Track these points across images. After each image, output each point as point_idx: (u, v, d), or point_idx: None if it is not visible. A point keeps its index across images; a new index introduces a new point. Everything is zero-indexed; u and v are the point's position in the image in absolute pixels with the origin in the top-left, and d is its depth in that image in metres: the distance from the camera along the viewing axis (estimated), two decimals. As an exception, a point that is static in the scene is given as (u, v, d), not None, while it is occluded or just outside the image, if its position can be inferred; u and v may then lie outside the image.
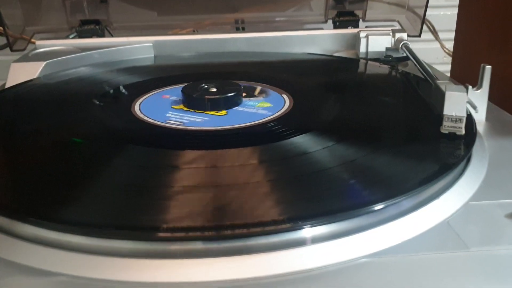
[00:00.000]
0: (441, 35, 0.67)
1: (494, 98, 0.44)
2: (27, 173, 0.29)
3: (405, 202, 0.26)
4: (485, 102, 0.39)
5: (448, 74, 0.58)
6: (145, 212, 0.25)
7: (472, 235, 0.25)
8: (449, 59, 0.60)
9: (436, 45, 0.69)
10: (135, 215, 0.25)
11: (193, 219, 0.24)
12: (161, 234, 0.23)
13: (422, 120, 0.36)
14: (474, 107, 0.35)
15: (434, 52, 0.76)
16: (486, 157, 0.33)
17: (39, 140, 0.34)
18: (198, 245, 0.23)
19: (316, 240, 0.24)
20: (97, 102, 0.39)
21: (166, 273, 0.23)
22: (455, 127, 0.32)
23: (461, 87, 0.35)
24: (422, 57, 0.47)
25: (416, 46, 0.60)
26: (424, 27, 0.64)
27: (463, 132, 0.32)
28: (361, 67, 0.50)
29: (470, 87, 0.38)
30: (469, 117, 0.35)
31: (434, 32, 0.67)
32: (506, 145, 0.35)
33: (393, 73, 0.47)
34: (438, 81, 0.37)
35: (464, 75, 0.58)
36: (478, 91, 0.39)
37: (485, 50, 0.52)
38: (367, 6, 0.59)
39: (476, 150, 0.34)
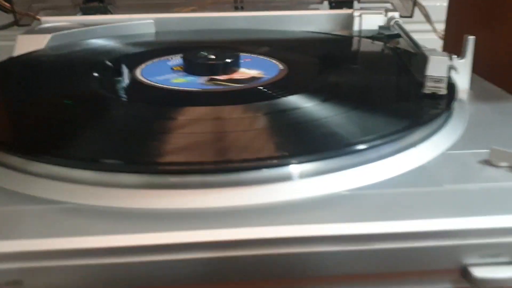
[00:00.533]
0: (438, 26, 0.69)
1: (481, 71, 0.47)
2: (38, 122, 0.32)
3: (386, 147, 0.29)
4: (469, 70, 0.41)
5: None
6: (148, 150, 0.27)
7: (446, 176, 0.27)
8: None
9: (432, 35, 0.71)
10: (139, 152, 0.27)
11: (191, 156, 0.27)
12: (162, 168, 0.26)
13: (408, 85, 0.38)
14: (455, 69, 0.38)
15: (429, 42, 0.78)
16: (466, 117, 0.35)
17: (46, 98, 0.36)
18: (196, 178, 0.26)
19: (306, 175, 0.26)
20: (100, 69, 0.41)
21: (165, 201, 0.25)
22: (437, 87, 0.34)
23: (445, 53, 0.37)
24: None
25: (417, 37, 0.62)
26: (420, 17, 0.67)
27: (445, 91, 0.34)
28: (354, 43, 0.52)
29: (454, 56, 0.41)
30: (451, 80, 0.37)
31: (427, 16, 0.69)
32: (486, 109, 0.37)
33: (384, 48, 0.49)
34: (424, 49, 0.39)
35: (455, 53, 0.60)
36: (462, 60, 0.41)
37: (473, 28, 0.54)
38: (361, -12, 0.61)
39: (457, 110, 0.36)
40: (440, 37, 0.66)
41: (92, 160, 0.26)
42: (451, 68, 0.35)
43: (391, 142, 0.29)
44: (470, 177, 0.27)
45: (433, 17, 0.70)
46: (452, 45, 0.61)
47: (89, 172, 0.26)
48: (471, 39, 0.40)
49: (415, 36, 0.64)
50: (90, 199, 0.25)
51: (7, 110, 0.35)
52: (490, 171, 0.28)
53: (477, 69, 0.47)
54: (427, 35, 0.72)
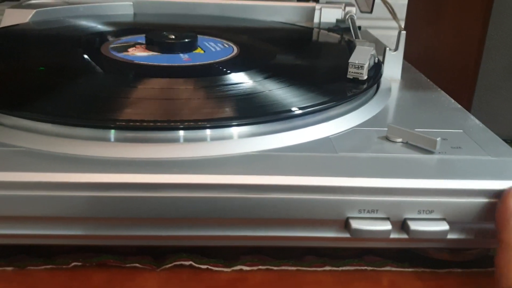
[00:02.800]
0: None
1: (422, 64, 0.52)
2: (12, 82, 0.37)
3: (301, 119, 0.34)
4: (400, 62, 0.46)
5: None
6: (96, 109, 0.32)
7: (345, 146, 0.32)
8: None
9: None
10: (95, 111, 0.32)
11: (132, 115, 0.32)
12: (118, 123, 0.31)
13: (340, 71, 0.42)
14: (376, 57, 0.42)
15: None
16: (386, 101, 0.40)
17: (22, 64, 0.41)
18: (130, 134, 0.31)
19: (228, 137, 0.32)
20: (74, 43, 0.47)
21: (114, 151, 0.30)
22: (357, 73, 0.39)
23: (372, 44, 0.42)
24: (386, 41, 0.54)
25: (382, 33, 0.67)
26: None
27: (364, 77, 0.39)
28: (310, 34, 0.57)
29: (387, 48, 0.46)
30: (378, 69, 0.42)
31: (392, 12, 0.74)
32: (408, 96, 0.42)
33: (336, 39, 0.54)
34: (357, 40, 0.44)
35: (409, 48, 0.65)
36: (394, 52, 0.46)
37: (420, 24, 0.59)
38: (327, -17, 0.66)
39: (379, 95, 0.41)
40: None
41: (49, 114, 0.31)
42: (373, 57, 0.40)
43: (305, 115, 0.34)
44: (365, 148, 0.32)
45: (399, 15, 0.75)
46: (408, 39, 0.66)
47: (46, 124, 0.31)
48: (403, 33, 0.45)
49: (384, 33, 0.69)
50: (42, 145, 0.30)
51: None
52: (385, 144, 0.33)
53: (419, 61, 0.52)
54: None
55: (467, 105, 0.49)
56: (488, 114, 0.49)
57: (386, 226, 0.29)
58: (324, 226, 0.30)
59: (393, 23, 0.76)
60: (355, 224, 0.29)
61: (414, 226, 0.29)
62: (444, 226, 0.29)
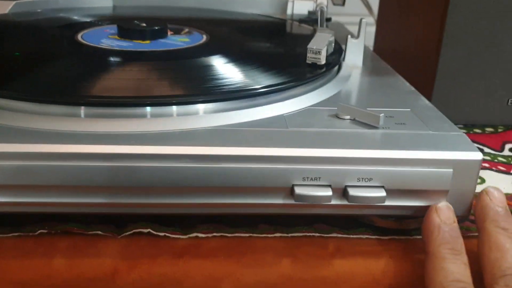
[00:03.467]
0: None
1: (392, 55, 0.54)
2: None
3: (258, 99, 0.36)
4: (361, 49, 0.48)
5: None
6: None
7: (295, 122, 0.34)
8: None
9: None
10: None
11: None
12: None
13: (302, 58, 0.44)
14: (336, 43, 0.45)
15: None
16: (343, 84, 0.43)
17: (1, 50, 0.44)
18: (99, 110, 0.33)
19: (193, 113, 0.34)
20: (50, 32, 0.49)
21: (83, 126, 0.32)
22: (315, 58, 0.41)
23: (332, 32, 0.45)
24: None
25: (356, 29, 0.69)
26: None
27: (322, 62, 0.41)
28: (281, 25, 0.60)
29: (349, 36, 0.48)
30: (339, 54, 0.44)
31: (367, 5, 0.76)
32: (366, 81, 0.45)
33: (306, 30, 0.57)
34: (318, 28, 0.46)
35: (382, 40, 0.68)
36: (356, 40, 0.48)
37: (395, 19, 0.61)
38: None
39: (337, 79, 0.43)
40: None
41: (24, 93, 0.34)
42: (330, 43, 0.42)
43: (262, 95, 0.36)
44: (314, 124, 0.34)
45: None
46: (379, 32, 0.69)
47: (22, 102, 0.33)
48: (363, 22, 0.47)
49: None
50: (14, 121, 0.32)
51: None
52: (334, 121, 0.35)
53: (391, 54, 0.54)
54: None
55: (429, 93, 0.52)
56: (448, 101, 0.51)
57: (327, 192, 0.31)
58: (273, 193, 0.32)
59: (370, 19, 0.79)
60: (298, 190, 0.31)
61: (353, 192, 0.31)
62: (381, 193, 0.31)
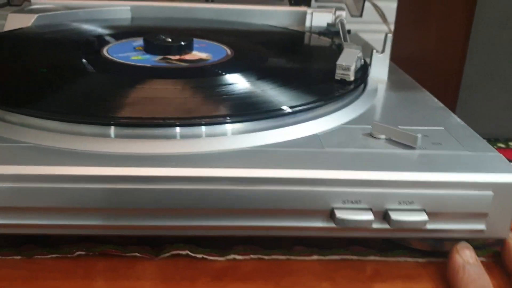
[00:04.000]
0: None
1: (409, 65, 0.54)
2: (17, 83, 0.39)
3: (289, 118, 0.36)
4: (387, 63, 0.48)
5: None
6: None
7: (331, 142, 0.34)
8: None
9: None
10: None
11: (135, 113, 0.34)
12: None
13: (329, 73, 0.44)
14: (363, 59, 0.45)
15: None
16: (372, 101, 0.42)
17: (26, 65, 0.43)
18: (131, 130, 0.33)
19: (222, 134, 0.34)
20: (75, 46, 0.49)
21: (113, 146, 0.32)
22: (345, 74, 0.41)
23: (359, 47, 0.44)
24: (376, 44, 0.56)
25: (372, 37, 0.70)
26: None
27: (351, 78, 0.41)
28: (302, 38, 0.60)
29: (374, 50, 0.48)
30: (365, 70, 0.44)
31: (381, 15, 0.76)
32: (393, 96, 0.45)
33: (327, 42, 0.56)
34: (345, 43, 0.46)
35: (398, 50, 0.68)
36: (381, 54, 0.48)
37: (407, 28, 0.61)
38: (318, -12, 0.68)
39: (366, 95, 0.43)
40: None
41: (54, 113, 0.34)
42: (360, 59, 0.42)
43: (295, 114, 0.36)
44: (350, 144, 0.34)
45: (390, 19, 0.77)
46: (396, 41, 0.68)
47: (51, 121, 0.33)
48: (389, 36, 0.47)
49: (374, 36, 0.71)
50: (49, 142, 0.32)
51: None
52: (369, 141, 0.35)
53: (406, 63, 0.54)
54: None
55: (452, 105, 0.52)
56: (472, 113, 0.51)
57: (368, 216, 0.31)
58: (311, 216, 0.32)
59: (383, 27, 0.79)
60: (339, 214, 0.31)
61: (395, 216, 0.31)
62: (423, 217, 0.31)
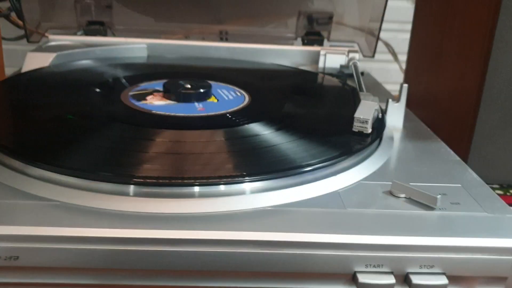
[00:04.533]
0: (402, 57, 0.78)
1: (424, 109, 0.54)
2: (37, 132, 0.40)
3: (309, 174, 0.36)
4: (402, 112, 0.49)
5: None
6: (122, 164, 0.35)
7: (352, 201, 0.35)
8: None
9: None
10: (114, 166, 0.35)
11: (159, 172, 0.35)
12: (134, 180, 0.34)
13: (346, 122, 0.45)
14: (383, 112, 0.45)
15: (397, 73, 0.86)
16: (389, 153, 0.43)
17: (47, 112, 0.44)
18: (155, 189, 0.34)
19: (241, 192, 0.34)
20: (95, 89, 0.49)
21: (133, 205, 0.33)
22: (362, 127, 0.42)
23: (376, 98, 0.45)
24: (383, 76, 0.57)
25: (382, 66, 0.71)
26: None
27: (369, 131, 0.42)
28: (315, 79, 0.60)
29: (390, 100, 0.49)
30: (381, 122, 0.45)
31: (393, 53, 0.77)
32: (410, 147, 0.45)
33: (341, 85, 0.57)
34: (361, 93, 0.47)
35: (411, 89, 0.68)
36: (397, 104, 0.49)
37: (425, 71, 0.62)
38: (332, 28, 0.69)
39: (383, 146, 0.44)
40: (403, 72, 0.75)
41: (77, 170, 0.34)
42: (377, 111, 0.43)
43: (314, 170, 0.37)
44: (371, 203, 0.35)
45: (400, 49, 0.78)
46: (409, 80, 0.69)
47: (75, 178, 0.34)
48: (405, 87, 0.48)
49: (384, 66, 0.72)
50: (74, 200, 0.33)
51: (13, 120, 0.43)
52: (390, 200, 0.36)
53: (419, 103, 0.55)
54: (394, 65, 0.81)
55: (465, 151, 0.52)
56: (485, 160, 0.52)
57: (390, 280, 0.31)
58: (333, 279, 0.32)
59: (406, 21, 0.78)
60: (362, 278, 0.31)
61: (416, 280, 0.31)
62: (443, 281, 0.31)
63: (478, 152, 0.52)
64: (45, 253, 0.30)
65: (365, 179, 0.38)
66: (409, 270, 0.32)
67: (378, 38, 0.64)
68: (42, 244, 0.30)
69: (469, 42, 0.52)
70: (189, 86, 0.49)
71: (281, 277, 0.32)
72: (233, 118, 0.44)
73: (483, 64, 0.50)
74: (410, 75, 0.69)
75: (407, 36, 0.69)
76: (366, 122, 0.41)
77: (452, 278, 0.32)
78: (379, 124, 0.44)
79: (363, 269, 0.31)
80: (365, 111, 0.42)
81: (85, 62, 0.59)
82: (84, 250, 0.30)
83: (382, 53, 0.78)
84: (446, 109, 0.57)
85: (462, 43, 0.53)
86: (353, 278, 0.32)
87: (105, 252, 0.30)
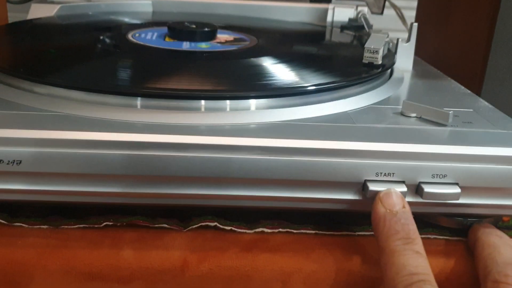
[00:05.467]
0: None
1: (431, 61, 0.54)
2: (44, 59, 0.39)
3: (320, 95, 0.36)
4: (412, 53, 0.48)
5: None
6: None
7: (361, 119, 0.34)
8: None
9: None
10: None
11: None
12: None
13: (356, 59, 0.44)
14: (391, 43, 0.45)
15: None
16: (399, 86, 0.42)
17: (46, 44, 0.44)
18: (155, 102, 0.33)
19: (258, 107, 0.34)
20: (99, 32, 0.49)
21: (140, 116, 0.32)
22: (373, 57, 0.41)
23: (387, 32, 0.44)
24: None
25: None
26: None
27: (379, 61, 0.41)
28: (324, 31, 0.60)
29: (400, 39, 0.48)
30: (391, 56, 0.44)
31: (401, 17, 0.76)
32: (419, 83, 0.44)
33: (349, 35, 0.57)
34: (372, 30, 0.46)
35: (419, 50, 0.67)
36: (407, 44, 0.48)
37: (428, 26, 0.61)
38: (339, -14, 0.68)
39: (393, 80, 0.43)
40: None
41: (84, 83, 0.34)
42: (387, 43, 0.42)
43: (327, 91, 0.36)
44: (381, 120, 0.34)
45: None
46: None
47: (82, 93, 0.34)
48: (414, 25, 0.47)
49: (395, 35, 0.71)
50: (81, 111, 0.32)
51: (21, 49, 0.43)
52: (400, 118, 0.35)
53: (429, 61, 0.54)
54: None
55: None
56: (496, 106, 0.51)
57: (402, 188, 0.30)
58: (343, 188, 0.31)
59: (403, 30, 0.79)
60: (372, 186, 0.30)
61: (428, 189, 0.30)
62: (456, 189, 0.31)
63: (488, 99, 0.51)
64: (48, 158, 0.29)
65: (375, 104, 0.37)
66: (421, 180, 0.31)
67: (386, -6, 0.63)
68: (45, 148, 0.29)
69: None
70: (194, 26, 0.48)
71: (291, 185, 0.31)
72: (249, 52, 0.44)
73: (492, 14, 0.49)
74: (418, 35, 0.68)
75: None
76: (377, 52, 0.40)
77: (464, 189, 0.31)
78: (389, 58, 0.44)
79: (373, 177, 0.31)
80: (376, 42, 0.41)
81: (90, 15, 0.59)
82: (88, 154, 0.29)
83: (391, 31, 0.77)
84: (456, 63, 0.56)
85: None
86: (363, 187, 0.31)
87: (110, 156, 0.29)
